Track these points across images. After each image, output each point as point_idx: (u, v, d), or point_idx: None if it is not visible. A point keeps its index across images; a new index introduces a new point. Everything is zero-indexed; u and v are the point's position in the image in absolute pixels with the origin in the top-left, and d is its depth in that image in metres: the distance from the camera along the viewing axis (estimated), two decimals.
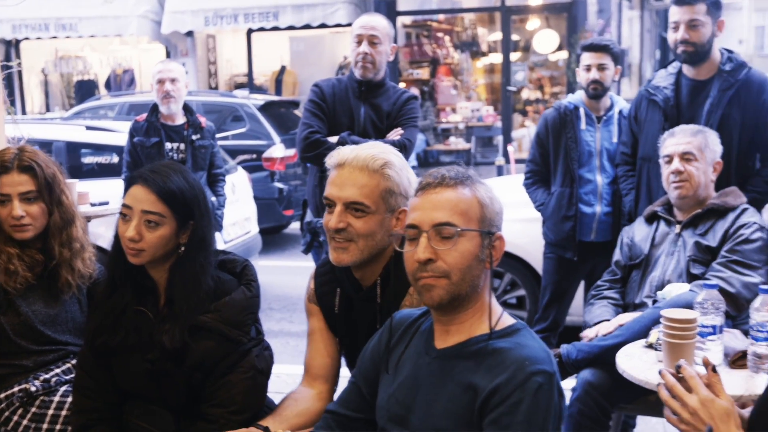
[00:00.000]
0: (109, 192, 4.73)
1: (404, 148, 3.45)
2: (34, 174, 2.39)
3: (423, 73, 12.81)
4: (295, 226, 8.33)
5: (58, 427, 2.28)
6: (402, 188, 1.96)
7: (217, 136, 5.11)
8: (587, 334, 2.80)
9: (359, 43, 3.58)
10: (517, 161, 9.56)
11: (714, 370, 1.51)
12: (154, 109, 4.69)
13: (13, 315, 2.36)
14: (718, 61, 3.24)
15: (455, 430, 1.61)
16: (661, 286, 2.84)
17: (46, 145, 5.65)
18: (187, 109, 4.76)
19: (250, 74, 13.54)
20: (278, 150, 7.90)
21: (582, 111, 3.78)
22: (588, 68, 3.69)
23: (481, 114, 12.47)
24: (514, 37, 12.90)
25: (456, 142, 12.32)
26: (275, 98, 10.06)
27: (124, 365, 2.06)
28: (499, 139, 12.06)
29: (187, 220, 2.02)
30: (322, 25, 12.04)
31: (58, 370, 2.39)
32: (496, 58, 12.98)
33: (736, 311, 2.68)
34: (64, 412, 2.28)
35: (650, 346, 2.46)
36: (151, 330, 2.02)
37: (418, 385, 1.69)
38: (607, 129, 3.78)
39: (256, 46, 13.42)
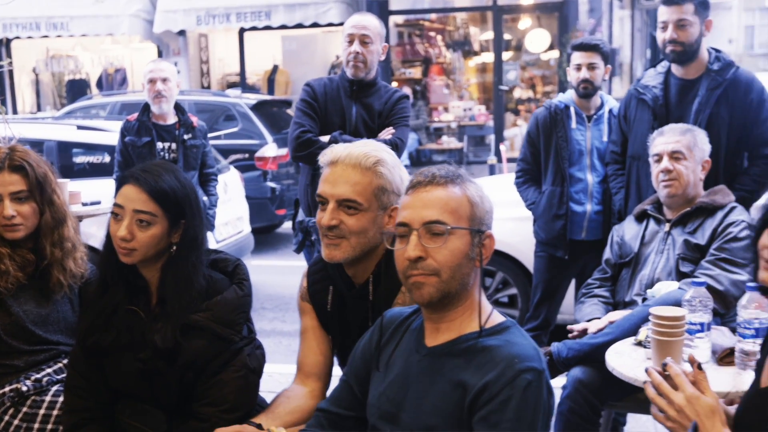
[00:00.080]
0: (100, 191, 4.73)
1: (396, 147, 3.46)
2: (26, 174, 2.38)
3: (415, 72, 12.82)
4: (287, 226, 8.33)
5: (49, 426, 2.27)
6: (394, 186, 1.97)
7: (210, 135, 5.10)
8: (574, 328, 2.82)
9: (351, 42, 3.59)
10: (509, 160, 9.59)
11: (699, 367, 1.53)
12: (145, 108, 4.68)
13: (4, 315, 2.36)
14: (706, 61, 3.26)
15: (445, 427, 1.62)
16: (650, 285, 2.86)
17: (37, 145, 5.65)
18: (178, 108, 4.75)
19: (242, 73, 13.52)
20: (270, 149, 7.90)
21: (572, 110, 3.79)
22: (578, 67, 3.72)
23: (473, 113, 12.49)
24: (506, 36, 12.92)
25: (448, 142, 12.34)
26: (267, 97, 10.06)
27: (115, 365, 2.07)
28: (491, 138, 12.08)
29: (178, 220, 2.02)
30: (315, 25, 12.03)
31: (49, 370, 2.39)
32: (488, 57, 13.00)
33: (725, 309, 2.70)
34: (55, 412, 2.28)
35: (639, 343, 2.48)
36: (143, 329, 2.02)
37: (409, 383, 1.70)
38: (597, 128, 3.80)
39: (248, 46, 13.40)
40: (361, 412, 1.81)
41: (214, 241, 5.70)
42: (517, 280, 4.70)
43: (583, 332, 2.78)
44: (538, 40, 12.70)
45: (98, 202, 4.56)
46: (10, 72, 13.57)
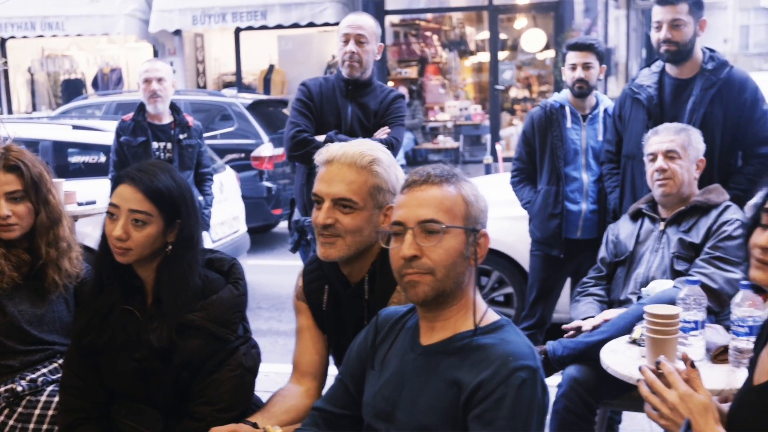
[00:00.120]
0: (96, 191, 4.73)
1: (391, 146, 3.46)
2: (21, 173, 2.38)
3: (411, 72, 12.82)
4: (283, 225, 8.33)
5: (44, 426, 2.27)
6: (390, 185, 1.97)
7: (206, 135, 5.11)
8: (568, 327, 2.82)
9: (346, 42, 3.60)
10: (505, 159, 9.59)
11: (692, 365, 1.53)
12: (140, 108, 4.68)
13: None
14: (700, 60, 3.27)
15: (440, 425, 1.62)
16: (645, 283, 2.87)
17: (32, 145, 5.63)
18: (174, 108, 4.75)
19: (238, 73, 13.51)
20: (267, 149, 7.90)
21: (567, 109, 3.81)
22: (573, 67, 3.73)
23: (469, 113, 12.50)
24: (502, 36, 12.93)
25: (444, 141, 12.35)
26: (263, 97, 10.05)
27: (111, 364, 2.07)
28: (487, 138, 12.09)
29: (174, 219, 2.02)
30: (311, 24, 12.03)
31: (44, 370, 2.39)
32: (484, 57, 13.01)
33: (719, 307, 2.71)
34: (50, 412, 2.27)
35: (634, 341, 2.48)
36: (139, 329, 2.03)
37: (404, 382, 1.70)
38: (592, 127, 3.81)
39: (244, 45, 13.38)
40: (356, 411, 1.82)
41: (210, 240, 5.70)
42: (512, 279, 4.71)
43: (578, 330, 2.79)
44: (533, 39, 12.71)
45: (93, 202, 4.56)
46: (5, 72, 13.54)
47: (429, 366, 1.68)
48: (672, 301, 2.40)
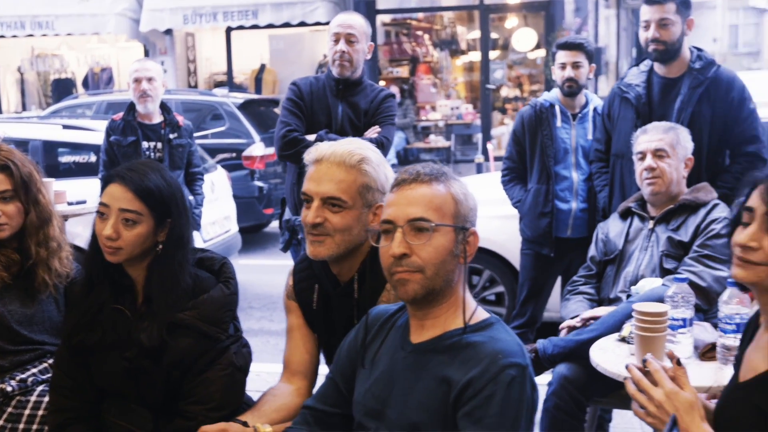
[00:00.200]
0: (86, 191, 4.72)
1: (381, 146, 3.47)
2: (10, 173, 2.37)
3: (403, 71, 12.83)
4: (275, 225, 8.31)
5: (34, 427, 2.27)
6: (379, 184, 1.97)
7: (197, 134, 5.10)
8: (562, 327, 2.84)
9: (336, 41, 3.60)
10: (497, 159, 9.61)
11: (679, 363, 1.55)
12: (130, 107, 4.67)
13: None
14: (688, 59, 3.29)
15: (430, 423, 1.63)
16: (635, 281, 2.88)
17: (22, 144, 5.62)
18: (164, 107, 4.74)
19: (229, 73, 13.48)
20: (258, 148, 7.89)
21: (557, 108, 3.82)
22: (563, 66, 3.75)
23: (460, 112, 12.52)
24: (493, 35, 12.96)
25: (436, 140, 12.37)
26: (255, 97, 10.04)
27: (101, 364, 2.06)
28: (478, 137, 12.11)
29: (164, 218, 2.02)
30: (302, 24, 12.01)
31: (34, 370, 2.38)
32: (475, 56, 13.03)
33: (707, 305, 2.73)
34: (40, 412, 2.27)
35: (623, 339, 2.50)
36: (129, 328, 2.02)
37: (394, 380, 1.71)
38: (582, 126, 3.83)
39: (235, 45, 13.36)
40: (347, 409, 1.82)
41: (201, 240, 5.69)
42: (504, 278, 4.72)
43: (572, 330, 2.81)
44: (524, 39, 12.74)
45: (84, 202, 4.54)
46: None
47: (419, 364, 1.69)
48: (661, 299, 2.41)
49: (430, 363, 1.67)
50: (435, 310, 1.71)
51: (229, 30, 13.00)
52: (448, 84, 13.40)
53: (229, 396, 2.03)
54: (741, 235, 1.51)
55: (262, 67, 13.41)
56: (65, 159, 6.06)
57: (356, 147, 1.99)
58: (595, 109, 3.82)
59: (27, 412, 2.29)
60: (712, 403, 1.66)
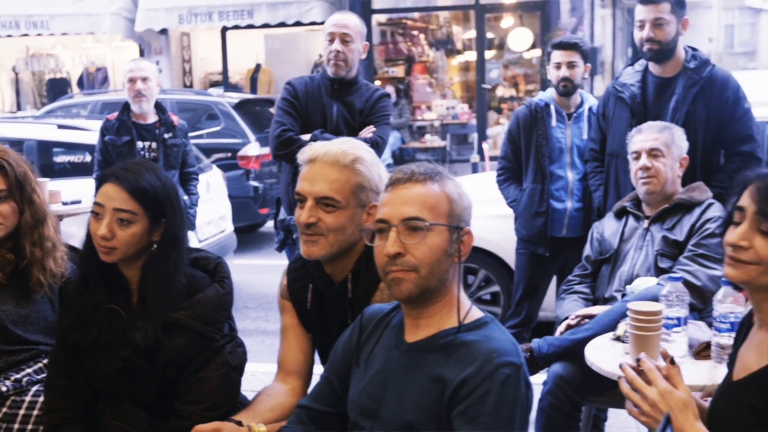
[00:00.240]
0: (81, 191, 4.71)
1: (376, 145, 3.47)
2: (5, 173, 2.37)
3: (398, 71, 12.82)
4: (270, 225, 8.30)
5: (29, 427, 2.26)
6: (373, 183, 1.97)
7: (192, 134, 5.10)
8: (559, 329, 2.84)
9: (331, 41, 3.60)
10: (492, 158, 9.62)
11: (672, 362, 1.55)
12: (125, 107, 4.67)
13: None
14: (682, 59, 3.30)
15: (425, 422, 1.63)
16: (630, 280, 2.89)
17: (17, 144, 5.62)
18: (159, 107, 4.74)
19: (224, 72, 13.47)
20: (253, 148, 7.88)
21: (553, 108, 3.83)
22: (558, 66, 3.76)
23: (456, 112, 12.52)
24: (489, 35, 12.96)
25: (431, 140, 12.37)
26: (250, 96, 10.03)
27: (96, 363, 2.06)
28: (474, 137, 12.12)
29: (159, 218, 2.02)
30: (297, 23, 12.00)
31: (29, 370, 2.38)
32: (471, 56, 13.03)
33: (702, 304, 2.74)
34: (35, 412, 2.27)
35: (618, 338, 2.50)
36: (124, 328, 2.02)
37: (389, 379, 1.71)
38: (577, 126, 3.84)
39: (230, 44, 13.35)
40: (341, 408, 1.82)
41: (196, 240, 5.69)
42: (499, 278, 4.72)
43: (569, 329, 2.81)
44: (520, 38, 12.75)
45: (79, 201, 4.54)
46: None
47: (414, 363, 1.69)
48: (656, 298, 2.42)
49: (424, 362, 1.67)
50: (429, 310, 1.71)
51: (224, 30, 12.99)
52: (443, 84, 13.41)
53: (224, 395, 2.03)
54: (732, 235, 1.52)
55: (258, 67, 13.40)
56: (60, 159, 6.05)
57: (350, 147, 1.99)
58: (590, 109, 3.83)
59: (22, 412, 2.29)
60: (707, 402, 1.66)
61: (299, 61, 12.97)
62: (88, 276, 2.10)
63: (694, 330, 2.44)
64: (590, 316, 2.78)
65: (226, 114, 8.20)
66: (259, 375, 3.68)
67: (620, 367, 1.58)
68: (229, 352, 2.05)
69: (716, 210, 2.88)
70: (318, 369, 2.07)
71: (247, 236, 8.30)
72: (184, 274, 2.05)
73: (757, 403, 1.47)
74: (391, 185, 1.71)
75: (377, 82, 12.14)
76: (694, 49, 3.33)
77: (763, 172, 1.53)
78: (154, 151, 4.62)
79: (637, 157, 2.99)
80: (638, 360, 1.56)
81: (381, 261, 1.68)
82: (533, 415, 2.38)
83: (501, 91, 12.92)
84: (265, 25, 12.14)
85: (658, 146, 2.95)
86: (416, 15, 13.67)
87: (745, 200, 1.52)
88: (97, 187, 2.04)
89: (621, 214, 3.10)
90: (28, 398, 2.31)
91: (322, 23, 3.72)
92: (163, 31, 12.69)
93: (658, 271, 2.85)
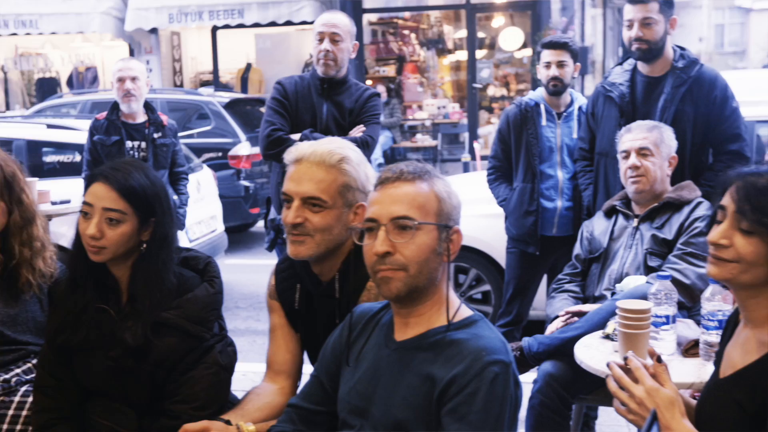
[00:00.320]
0: (71, 191, 4.70)
1: (366, 145, 3.48)
2: None
3: (389, 70, 12.83)
4: (261, 225, 8.30)
5: (18, 427, 2.25)
6: (359, 183, 1.97)
7: (183, 134, 5.08)
8: (549, 328, 2.85)
9: (321, 40, 3.60)
10: (483, 158, 9.63)
11: (659, 360, 1.56)
12: (114, 107, 4.65)
13: None
14: (671, 58, 3.31)
15: (414, 420, 1.63)
16: (619, 279, 2.90)
17: (6, 144, 5.59)
18: (148, 107, 4.73)
19: (215, 72, 13.44)
20: (244, 148, 7.87)
21: (542, 107, 3.84)
22: (548, 65, 3.77)
23: (447, 111, 12.53)
24: (480, 34, 12.98)
25: (422, 139, 12.38)
26: (241, 96, 10.01)
27: (86, 363, 2.06)
28: (465, 136, 12.13)
29: (148, 217, 2.02)
30: (288, 23, 11.99)
31: (18, 370, 2.37)
32: (462, 55, 13.04)
33: (691, 302, 2.75)
34: (24, 413, 2.26)
35: (607, 336, 2.51)
36: (114, 327, 2.02)
37: (378, 377, 1.71)
38: (567, 125, 3.85)
39: (221, 44, 13.32)
40: (331, 407, 1.82)
41: (187, 240, 5.67)
42: (490, 277, 4.73)
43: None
44: (511, 38, 12.77)
45: (68, 201, 4.52)
46: None
47: (403, 361, 1.69)
48: (645, 297, 2.43)
49: (414, 360, 1.68)
50: (419, 308, 1.71)
51: (214, 29, 12.96)
52: (434, 83, 13.42)
53: (214, 395, 2.03)
54: (713, 233, 1.54)
55: (248, 67, 13.38)
56: (49, 159, 6.02)
57: (336, 146, 1.99)
58: (580, 108, 3.84)
59: (11, 412, 2.28)
60: (694, 400, 1.67)
61: (290, 60, 12.96)
62: (77, 276, 2.09)
63: (682, 328, 2.45)
64: (580, 314, 2.79)
65: (216, 113, 8.18)
66: (250, 375, 3.68)
67: (608, 365, 1.59)
68: (219, 352, 2.05)
69: (705, 209, 2.90)
70: (307, 368, 2.07)
71: (238, 236, 8.29)
72: (173, 273, 2.05)
73: (743, 400, 1.49)
74: (380, 184, 1.71)
75: (368, 82, 12.13)
76: (682, 49, 3.35)
77: (743, 171, 1.55)
78: (143, 151, 4.61)
79: (627, 156, 3.00)
80: (625, 358, 1.57)
81: (370, 260, 1.68)
82: (523, 414, 2.39)
83: (492, 91, 12.93)
84: (256, 25, 12.12)
85: (647, 145, 2.97)
86: (407, 14, 13.67)
87: (726, 199, 1.54)
88: (86, 187, 2.04)
89: (610, 212, 3.11)
90: (17, 398, 2.30)
91: (312, 23, 3.72)
92: (154, 31, 12.65)
93: (648, 270, 2.86)
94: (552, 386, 2.69)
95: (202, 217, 6.12)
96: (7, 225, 2.38)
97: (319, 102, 3.65)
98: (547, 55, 3.77)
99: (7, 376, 2.34)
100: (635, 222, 3.00)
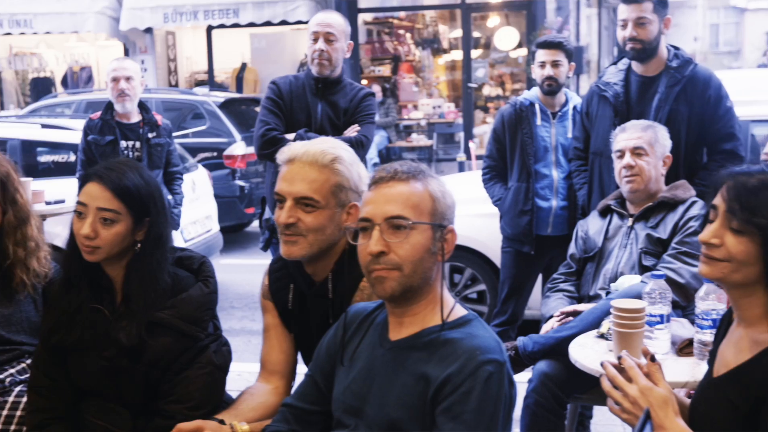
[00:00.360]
0: (65, 191, 4.68)
1: (361, 144, 3.48)
2: None
3: (385, 70, 12.84)
4: (256, 224, 8.27)
5: (12, 427, 2.25)
6: (352, 183, 1.97)
7: (178, 133, 5.08)
8: (544, 328, 2.86)
9: (315, 40, 3.60)
10: (478, 157, 9.63)
11: (653, 359, 1.56)
12: (108, 107, 4.64)
13: None
14: (665, 58, 3.31)
15: (409, 420, 1.63)
16: (614, 278, 2.91)
17: (0, 144, 5.57)
18: (142, 107, 4.72)
19: (210, 71, 13.42)
20: (239, 147, 7.86)
21: (537, 107, 3.85)
22: (542, 65, 3.77)
23: (442, 111, 12.54)
24: (475, 34, 12.98)
25: (418, 139, 12.38)
26: (236, 96, 10.00)
27: (80, 363, 2.06)
28: (460, 136, 12.14)
29: (143, 217, 2.02)
30: (283, 22, 11.98)
31: (12, 371, 2.37)
32: (457, 55, 13.05)
33: (686, 301, 2.75)
34: (18, 413, 2.25)
35: (602, 336, 2.51)
36: (108, 327, 2.02)
37: (373, 377, 1.72)
38: (562, 124, 3.85)
39: (216, 43, 13.30)
40: (326, 406, 1.83)
41: (182, 239, 5.66)
42: (485, 277, 4.74)
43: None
44: (506, 38, 12.77)
45: (62, 201, 4.51)
46: None
47: (398, 361, 1.69)
48: (639, 296, 2.43)
49: (408, 360, 1.68)
50: (413, 308, 1.71)
51: (209, 29, 12.94)
52: (430, 83, 13.43)
53: (208, 395, 2.03)
54: (704, 233, 1.55)
55: (243, 66, 13.37)
56: (44, 158, 6.01)
57: (329, 146, 1.99)
58: (574, 108, 3.84)
59: (5, 412, 2.27)
60: (689, 399, 1.68)
61: (285, 60, 12.94)
62: (71, 276, 2.09)
63: (677, 327, 2.46)
64: (575, 314, 2.80)
65: (211, 113, 8.16)
66: (246, 375, 3.68)
67: (602, 364, 1.59)
68: (213, 351, 2.05)
69: (699, 208, 2.90)
70: (301, 369, 2.07)
71: (234, 236, 8.28)
72: (168, 273, 2.04)
73: (736, 399, 1.49)
74: (374, 184, 1.71)
75: (364, 81, 12.13)
76: (676, 48, 3.35)
77: (735, 171, 1.56)
78: (137, 151, 4.60)
79: (621, 156, 3.00)
80: (619, 357, 1.57)
81: (364, 260, 1.68)
82: (518, 413, 2.39)
83: (487, 90, 12.94)
84: (251, 24, 12.11)
85: (642, 145, 2.97)
86: (402, 14, 13.68)
87: (718, 199, 1.55)
88: (80, 187, 2.04)
89: (605, 212, 3.12)
90: (11, 399, 2.29)
91: (308, 22, 3.72)
92: (148, 30, 12.62)
93: (642, 269, 2.87)
94: (547, 386, 2.69)
95: (197, 217, 6.12)
96: (1, 225, 2.38)
97: (313, 102, 3.65)
98: (541, 54, 3.77)
99: (1, 377, 2.33)
100: (630, 221, 3.00)
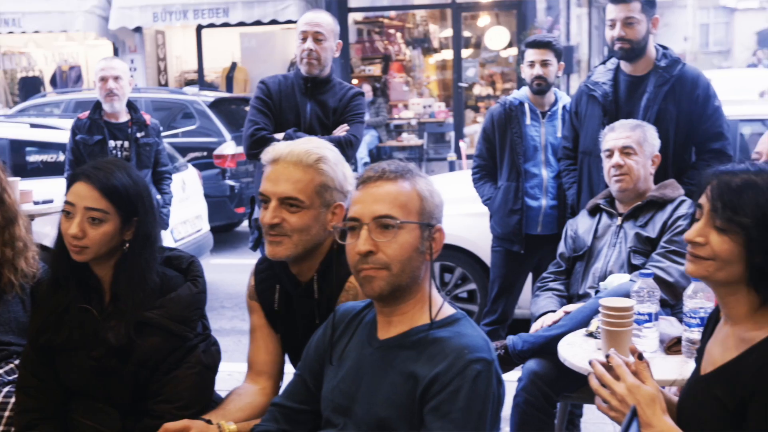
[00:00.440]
0: (54, 190, 4.66)
1: (350, 144, 3.48)
2: None
3: (375, 69, 12.83)
4: (246, 224, 8.26)
5: (0, 428, 2.24)
6: (337, 183, 1.97)
7: (168, 133, 5.06)
8: (534, 327, 2.86)
9: (304, 39, 3.60)
10: (469, 157, 9.64)
11: (641, 357, 1.57)
12: (97, 106, 4.63)
13: None
14: (653, 58, 3.33)
15: (397, 418, 1.64)
16: (603, 277, 2.91)
17: None
18: (131, 106, 4.71)
19: (200, 71, 13.38)
20: (229, 147, 7.84)
21: (527, 106, 3.85)
22: (532, 64, 3.78)
23: (433, 110, 12.54)
24: (466, 33, 12.99)
25: (408, 139, 12.38)
26: (226, 95, 9.97)
27: (68, 363, 2.05)
28: (451, 135, 12.15)
29: (131, 217, 2.01)
30: (273, 22, 11.95)
31: (0, 371, 2.36)
32: (448, 54, 13.06)
33: (674, 299, 2.77)
34: (6, 413, 2.24)
35: (591, 334, 2.52)
36: (96, 327, 2.01)
37: (362, 376, 1.72)
38: (551, 124, 3.86)
39: (206, 43, 13.26)
40: (315, 405, 1.83)
41: (172, 239, 5.65)
42: (475, 276, 4.74)
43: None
44: (497, 37, 12.79)
45: (51, 201, 4.49)
46: None
47: (386, 360, 1.69)
48: (628, 294, 2.44)
49: (397, 359, 1.68)
50: (402, 307, 1.71)
51: (199, 28, 12.90)
52: (420, 82, 13.43)
53: (197, 395, 2.03)
54: (689, 231, 1.56)
55: (233, 66, 13.33)
56: (33, 158, 5.98)
57: (313, 146, 1.98)
58: (564, 107, 3.85)
59: None
60: (676, 397, 1.68)
61: (275, 59, 12.91)
62: (59, 275, 2.08)
63: (665, 325, 2.47)
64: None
65: (201, 113, 8.14)
66: (236, 375, 3.65)
67: (590, 363, 1.60)
68: (202, 351, 2.05)
69: (688, 207, 2.91)
70: (289, 369, 2.07)
71: (224, 235, 8.26)
72: (156, 273, 2.04)
73: (723, 397, 1.50)
74: (362, 183, 1.71)
75: (354, 81, 12.12)
76: (664, 48, 3.37)
77: (719, 170, 1.57)
78: (126, 150, 4.59)
79: (610, 155, 3.01)
80: (607, 356, 1.58)
81: (352, 259, 1.68)
82: (507, 412, 2.40)
83: (478, 90, 12.95)
84: (241, 24, 12.08)
85: (631, 144, 2.98)
86: (393, 13, 13.68)
87: (703, 198, 1.55)
88: (68, 186, 2.03)
89: (594, 211, 3.13)
90: None
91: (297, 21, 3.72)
92: (138, 30, 12.58)
93: (631, 268, 2.88)
94: (537, 384, 2.70)
95: (187, 217, 6.10)
96: None
97: (302, 101, 3.65)
98: (531, 54, 3.78)
99: None
100: (619, 220, 3.01)
